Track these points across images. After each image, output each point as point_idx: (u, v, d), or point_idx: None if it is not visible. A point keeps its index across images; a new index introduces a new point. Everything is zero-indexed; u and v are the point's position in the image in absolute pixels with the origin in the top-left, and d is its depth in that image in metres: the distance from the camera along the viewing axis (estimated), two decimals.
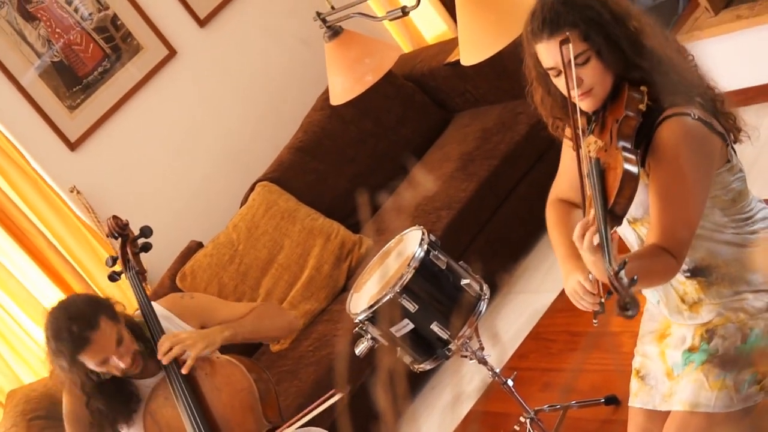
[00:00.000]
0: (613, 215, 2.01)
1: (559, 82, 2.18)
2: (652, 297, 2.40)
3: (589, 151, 2.09)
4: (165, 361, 2.70)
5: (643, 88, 2.13)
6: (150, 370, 2.86)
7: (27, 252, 4.25)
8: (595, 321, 2.22)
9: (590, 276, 2.14)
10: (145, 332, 2.85)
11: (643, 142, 2.14)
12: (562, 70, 2.11)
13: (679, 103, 2.14)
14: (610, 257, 1.87)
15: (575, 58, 2.08)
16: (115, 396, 2.77)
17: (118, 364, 2.68)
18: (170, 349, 2.70)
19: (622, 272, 1.82)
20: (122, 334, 2.71)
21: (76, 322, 2.62)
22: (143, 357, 2.78)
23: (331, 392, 2.64)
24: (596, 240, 1.95)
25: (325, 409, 2.67)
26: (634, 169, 2.04)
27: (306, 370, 4.00)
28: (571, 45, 2.07)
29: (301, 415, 2.66)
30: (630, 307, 1.82)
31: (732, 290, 2.26)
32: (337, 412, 3.21)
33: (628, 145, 2.08)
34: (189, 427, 2.70)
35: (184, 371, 2.68)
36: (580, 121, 2.16)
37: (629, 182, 2.02)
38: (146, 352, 2.81)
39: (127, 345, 2.71)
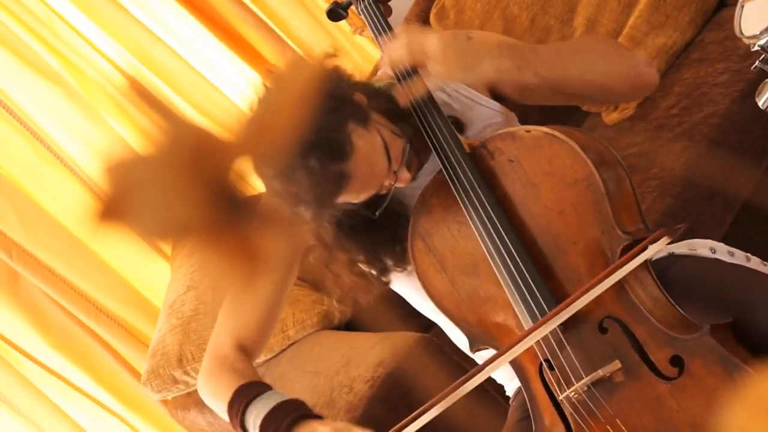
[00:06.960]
0: None
1: None
2: None
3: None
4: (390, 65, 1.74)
5: None
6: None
7: None
8: None
9: None
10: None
11: None
12: None
13: None
14: None
15: None
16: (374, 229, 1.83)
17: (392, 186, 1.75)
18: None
19: None
20: (384, 138, 1.72)
21: (313, 150, 1.62)
22: (413, 148, 1.78)
23: (654, 234, 1.57)
24: None
25: None
26: None
27: (668, 149, 2.80)
28: None
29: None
30: None
31: None
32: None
33: None
34: (491, 252, 1.63)
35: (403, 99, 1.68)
36: None
37: None
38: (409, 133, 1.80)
39: (396, 150, 1.73)
